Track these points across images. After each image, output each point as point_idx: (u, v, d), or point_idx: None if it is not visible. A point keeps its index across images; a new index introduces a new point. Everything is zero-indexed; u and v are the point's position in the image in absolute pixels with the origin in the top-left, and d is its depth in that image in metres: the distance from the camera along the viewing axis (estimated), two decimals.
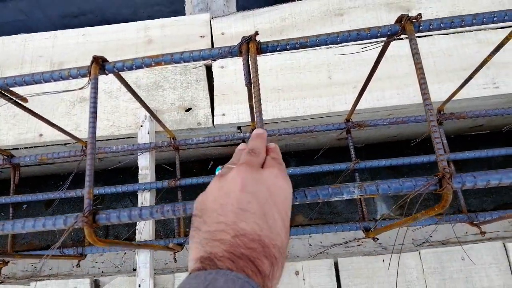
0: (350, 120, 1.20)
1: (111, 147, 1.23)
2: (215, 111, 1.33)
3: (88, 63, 1.46)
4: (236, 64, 1.37)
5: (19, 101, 0.91)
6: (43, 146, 1.39)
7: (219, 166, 0.50)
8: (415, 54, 0.69)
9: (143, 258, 1.13)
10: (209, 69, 1.40)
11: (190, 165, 1.88)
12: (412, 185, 0.59)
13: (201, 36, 1.43)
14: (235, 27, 1.43)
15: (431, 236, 1.70)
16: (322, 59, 1.36)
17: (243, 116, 1.31)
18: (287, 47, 0.72)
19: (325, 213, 1.74)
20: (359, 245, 1.66)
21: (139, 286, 1.11)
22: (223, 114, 1.32)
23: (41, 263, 1.57)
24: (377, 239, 1.09)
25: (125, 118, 1.34)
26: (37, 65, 1.45)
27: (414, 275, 1.10)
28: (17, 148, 1.38)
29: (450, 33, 1.39)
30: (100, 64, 0.74)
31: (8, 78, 0.76)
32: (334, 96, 1.30)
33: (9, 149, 1.36)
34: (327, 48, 1.37)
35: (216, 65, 1.38)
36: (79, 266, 1.15)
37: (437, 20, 0.71)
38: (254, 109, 0.67)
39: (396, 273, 1.10)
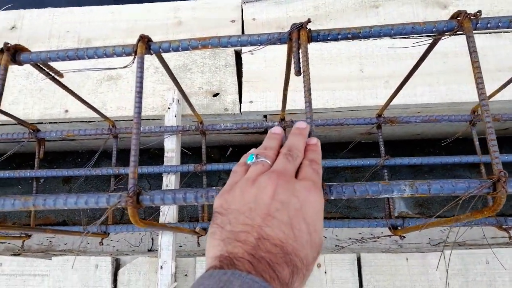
0: (382, 115, 1.18)
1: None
2: (242, 97, 1.31)
3: (115, 41, 1.45)
4: (266, 52, 1.35)
5: (56, 76, 0.91)
6: (68, 122, 1.38)
7: (252, 154, 0.48)
8: (473, 52, 0.67)
9: (166, 240, 1.13)
10: (238, 55, 1.38)
11: (209, 150, 1.88)
12: (465, 186, 0.57)
13: (232, 21, 1.41)
14: (267, 13, 1.40)
15: (447, 237, 1.69)
16: (354, 52, 1.33)
17: (271, 104, 1.29)
18: (339, 36, 0.70)
19: (342, 207, 1.74)
20: (374, 241, 1.66)
21: (161, 267, 1.11)
22: (251, 102, 1.30)
23: (80, 240, 1.58)
24: (404, 237, 1.08)
25: (151, 99, 1.33)
26: (65, 40, 1.44)
27: (437, 275, 1.09)
28: (42, 123, 1.38)
29: (485, 33, 1.36)
30: (146, 44, 0.72)
31: (50, 52, 0.75)
32: (364, 90, 1.28)
33: (34, 123, 1.35)
34: (360, 40, 1.35)
35: (246, 51, 1.36)
36: (102, 244, 1.15)
37: (495, 18, 0.69)
38: (304, 99, 0.66)
39: (418, 272, 1.10)
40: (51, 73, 0.89)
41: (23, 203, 0.64)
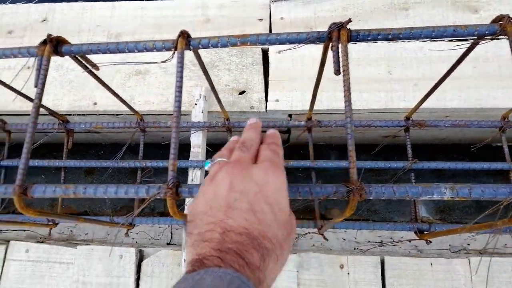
0: (411, 118, 1.18)
1: (166, 122, 1.24)
2: (268, 96, 1.32)
3: (144, 37, 1.47)
4: (293, 51, 1.35)
5: (92, 69, 0.92)
6: (95, 114, 1.41)
7: (208, 160, 0.50)
8: None
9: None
10: (265, 54, 1.39)
11: None
12: (506, 192, 0.57)
13: (259, 19, 1.41)
14: (295, 12, 1.40)
15: (468, 244, 1.67)
16: (382, 53, 1.33)
17: (297, 104, 1.30)
18: (379, 37, 0.70)
19: (362, 209, 1.73)
20: (394, 245, 1.65)
21: (185, 260, 1.12)
22: (277, 100, 1.30)
23: (118, 229, 1.60)
24: (430, 241, 1.07)
25: None
26: (95, 34, 1.47)
27: (462, 281, 1.08)
28: (70, 114, 1.40)
29: None
30: (186, 39, 0.73)
31: (92, 45, 0.76)
32: (392, 92, 1.28)
33: (63, 115, 1.38)
34: (389, 42, 1.34)
35: (273, 50, 1.37)
36: (128, 235, 1.17)
37: None
38: (344, 99, 0.66)
39: (443, 278, 1.09)
40: (88, 65, 0.91)
41: (64, 191, 0.65)
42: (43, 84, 0.74)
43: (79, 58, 0.86)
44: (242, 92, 1.34)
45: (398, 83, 1.28)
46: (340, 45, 0.70)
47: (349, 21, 0.69)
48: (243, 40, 0.73)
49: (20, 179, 0.66)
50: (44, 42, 0.77)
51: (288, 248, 0.41)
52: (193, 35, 1.40)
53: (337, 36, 0.70)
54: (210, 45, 0.74)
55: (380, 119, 1.21)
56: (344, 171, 1.77)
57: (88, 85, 1.39)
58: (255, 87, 1.33)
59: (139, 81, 1.37)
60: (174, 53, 0.76)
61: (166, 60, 0.76)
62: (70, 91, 1.39)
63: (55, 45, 0.78)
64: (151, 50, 0.75)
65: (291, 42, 0.73)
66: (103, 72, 1.39)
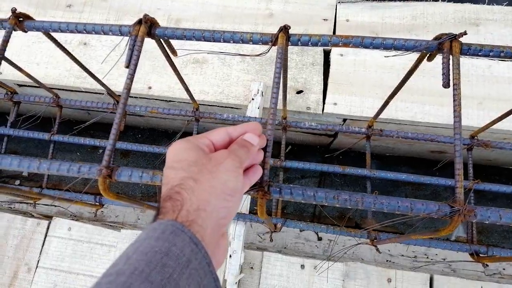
0: (476, 137, 1.14)
1: (221, 114, 1.22)
2: (326, 98, 1.29)
3: (204, 25, 1.45)
4: (356, 55, 1.32)
5: (171, 55, 0.91)
6: (148, 98, 1.39)
7: None
8: None
9: (238, 230, 1.12)
10: (326, 54, 1.36)
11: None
12: None
13: (324, 19, 1.38)
14: (362, 16, 1.37)
15: (504, 269, 1.63)
16: None
17: (355, 109, 1.27)
18: (490, 53, 0.67)
19: (398, 223, 1.70)
20: (427, 262, 1.62)
21: (230, 256, 1.11)
22: (335, 103, 1.28)
23: (136, 215, 1.60)
24: (487, 265, 1.04)
25: (235, 88, 1.32)
26: (154, 17, 1.44)
27: None
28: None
29: None
30: (287, 34, 0.71)
31: (187, 31, 0.75)
32: None
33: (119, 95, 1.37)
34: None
35: (335, 52, 1.34)
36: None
37: None
38: (454, 113, 0.63)
39: None
40: (168, 51, 0.89)
41: (151, 177, 0.64)
42: (136, 65, 0.73)
43: (162, 42, 0.84)
44: (299, 92, 1.31)
45: (463, 99, 1.25)
46: (451, 57, 0.67)
47: (464, 33, 0.66)
48: (346, 41, 0.71)
49: (106, 160, 0.65)
50: (139, 22, 0.75)
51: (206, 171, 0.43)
52: (255, 29, 1.38)
53: (448, 48, 0.67)
54: (310, 43, 0.71)
55: (435, 133, 1.18)
56: (382, 181, 1.74)
57: (143, 68, 1.38)
58: (313, 88, 1.31)
59: (196, 69, 1.35)
60: (270, 47, 0.74)
61: (261, 54, 0.74)
62: (126, 71, 1.37)
63: (149, 26, 0.76)
64: (247, 42, 0.73)
65: (397, 48, 0.70)
66: (160, 57, 1.37)
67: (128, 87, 0.70)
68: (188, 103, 1.37)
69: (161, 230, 0.35)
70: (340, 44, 0.71)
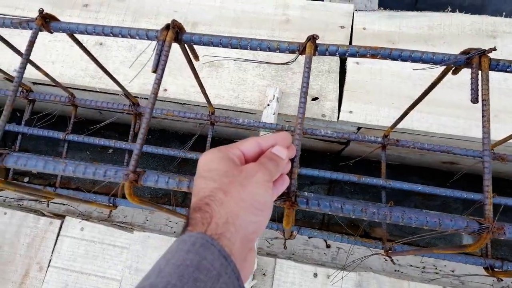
0: (492, 151, 1.14)
1: (237, 118, 1.22)
2: (342, 106, 1.29)
3: (221, 29, 1.45)
4: (373, 63, 1.32)
5: (193, 59, 0.91)
6: (163, 101, 1.40)
7: None
8: None
9: None
10: (342, 62, 1.36)
11: None
12: None
13: (341, 27, 1.38)
14: (379, 25, 1.37)
15: (508, 286, 1.63)
16: (464, 79, 1.28)
17: (370, 118, 1.27)
18: None
19: (408, 233, 1.69)
20: (436, 273, 1.61)
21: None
22: (350, 112, 1.27)
23: (144, 215, 1.59)
24: (502, 280, 1.04)
25: (250, 93, 1.32)
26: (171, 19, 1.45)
27: None
28: (138, 97, 1.39)
29: None
30: (315, 44, 0.71)
31: (214, 37, 0.74)
32: (472, 121, 1.24)
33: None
34: None
35: (351, 60, 1.34)
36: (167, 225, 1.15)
37: None
38: (483, 129, 0.63)
39: None
40: (191, 55, 0.89)
41: (177, 183, 0.64)
42: (163, 70, 0.72)
43: (186, 47, 0.84)
44: (315, 99, 1.31)
45: (479, 111, 1.24)
46: (480, 73, 0.67)
47: (494, 49, 0.66)
48: (374, 53, 0.70)
49: (133, 165, 0.65)
50: (166, 28, 0.75)
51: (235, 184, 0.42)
52: (271, 34, 1.38)
53: (477, 63, 0.67)
54: (337, 53, 0.71)
55: (449, 144, 1.18)
56: (392, 190, 1.73)
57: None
58: (329, 95, 1.31)
59: (212, 73, 1.35)
60: (297, 56, 0.74)
61: (288, 62, 0.74)
62: (141, 73, 1.37)
63: (177, 32, 0.76)
64: (274, 50, 0.73)
65: (425, 61, 0.70)
66: (176, 59, 1.38)
67: (156, 91, 0.70)
68: (203, 106, 1.37)
69: (191, 242, 0.36)
70: (368, 56, 0.71)
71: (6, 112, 0.69)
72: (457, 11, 1.39)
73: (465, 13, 1.39)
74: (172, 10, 1.46)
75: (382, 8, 1.45)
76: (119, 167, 0.67)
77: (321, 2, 1.43)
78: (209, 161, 0.47)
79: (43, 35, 1.45)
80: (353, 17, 1.39)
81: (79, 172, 0.64)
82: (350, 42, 1.36)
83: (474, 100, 0.66)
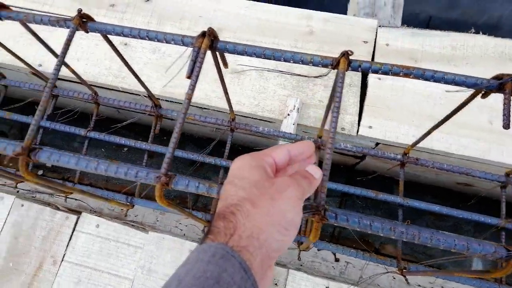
0: (511, 175, 1.14)
1: (257, 126, 1.23)
2: (362, 121, 1.29)
3: (245, 36, 1.47)
4: (395, 80, 1.33)
5: (222, 67, 0.92)
6: (182, 104, 1.41)
7: None
8: None
9: None
10: (364, 76, 1.37)
11: None
12: None
13: (364, 41, 1.39)
14: (402, 42, 1.38)
15: None
16: (485, 102, 1.28)
17: (390, 134, 1.27)
18: None
19: (418, 252, 1.68)
20: None
21: None
22: (370, 127, 1.28)
23: (155, 215, 1.60)
24: None
25: (270, 102, 1.33)
26: (196, 24, 1.47)
27: None
28: (159, 99, 1.40)
29: None
30: (348, 60, 0.72)
31: (248, 47, 0.76)
32: (491, 143, 1.24)
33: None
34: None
35: (373, 75, 1.35)
36: (176, 227, 1.16)
37: None
38: None
39: None
40: (220, 63, 0.90)
41: (207, 189, 0.65)
42: (197, 76, 0.74)
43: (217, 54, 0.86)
44: None
45: (498, 135, 1.25)
46: None
47: None
48: (407, 72, 0.71)
49: (165, 168, 0.66)
50: (202, 35, 0.76)
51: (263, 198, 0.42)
52: (294, 45, 1.39)
53: (510, 89, 0.67)
54: (370, 70, 0.72)
55: (467, 166, 1.18)
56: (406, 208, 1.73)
57: (182, 74, 1.39)
58: (349, 109, 1.31)
59: (233, 80, 1.37)
60: (329, 70, 0.75)
61: (321, 76, 0.75)
62: (163, 75, 1.39)
63: (212, 39, 0.77)
64: (307, 63, 0.74)
65: (457, 84, 0.71)
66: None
67: (189, 97, 0.71)
68: (222, 112, 1.38)
69: (212, 253, 0.35)
70: (401, 74, 0.72)
71: (42, 108, 0.70)
72: (480, 32, 1.40)
73: (488, 35, 1.39)
74: (197, 15, 1.48)
75: (405, 25, 1.46)
76: (148, 169, 0.68)
77: (344, 16, 1.44)
78: (241, 167, 0.47)
79: (66, 32, 1.47)
80: (376, 32, 1.40)
81: (111, 172, 0.66)
82: (373, 58, 1.37)
83: (506, 126, 0.66)
